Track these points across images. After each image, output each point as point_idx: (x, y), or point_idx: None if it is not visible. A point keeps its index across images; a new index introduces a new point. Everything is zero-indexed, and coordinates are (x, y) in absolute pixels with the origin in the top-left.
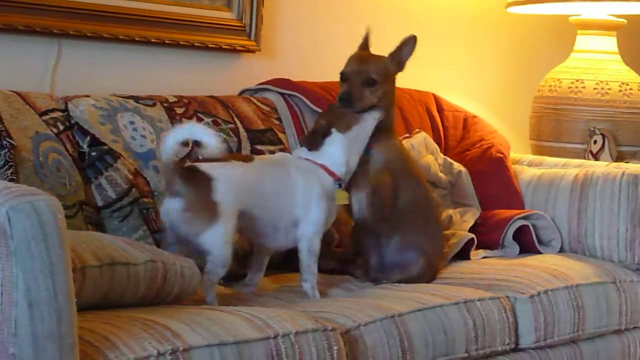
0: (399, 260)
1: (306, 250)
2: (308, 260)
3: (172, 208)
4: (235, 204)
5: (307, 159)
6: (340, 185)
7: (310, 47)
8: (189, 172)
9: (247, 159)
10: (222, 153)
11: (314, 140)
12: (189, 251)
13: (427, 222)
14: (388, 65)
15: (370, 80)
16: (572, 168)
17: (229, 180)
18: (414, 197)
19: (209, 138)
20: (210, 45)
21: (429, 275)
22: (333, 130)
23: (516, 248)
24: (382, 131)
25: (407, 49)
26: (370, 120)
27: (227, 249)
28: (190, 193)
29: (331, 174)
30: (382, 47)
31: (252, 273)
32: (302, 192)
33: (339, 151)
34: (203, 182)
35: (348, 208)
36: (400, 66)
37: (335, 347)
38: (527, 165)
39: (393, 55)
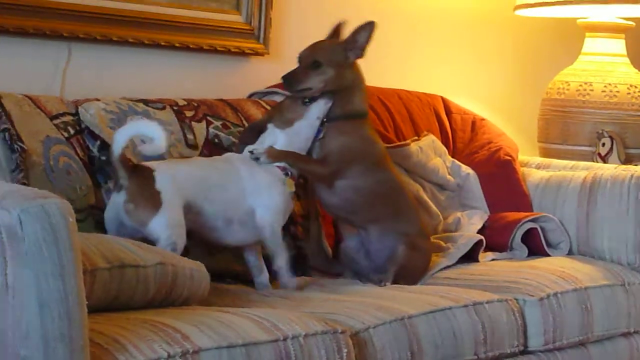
0: (383, 251)
1: (269, 234)
2: (274, 244)
3: (116, 202)
4: (178, 192)
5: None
6: (288, 174)
7: None
8: (133, 166)
9: (189, 157)
10: (167, 149)
11: (244, 134)
12: None
13: (398, 205)
14: (339, 49)
15: (315, 62)
16: (580, 170)
17: (170, 171)
18: (379, 183)
19: (157, 133)
20: (219, 49)
21: (419, 257)
22: (270, 125)
23: (525, 250)
24: (350, 118)
25: (363, 34)
26: (315, 111)
27: (175, 234)
28: (133, 185)
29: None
30: (389, 50)
31: (256, 277)
32: (248, 180)
33: (276, 146)
34: (144, 174)
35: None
36: (357, 52)
37: (345, 350)
38: (535, 168)
39: (347, 40)
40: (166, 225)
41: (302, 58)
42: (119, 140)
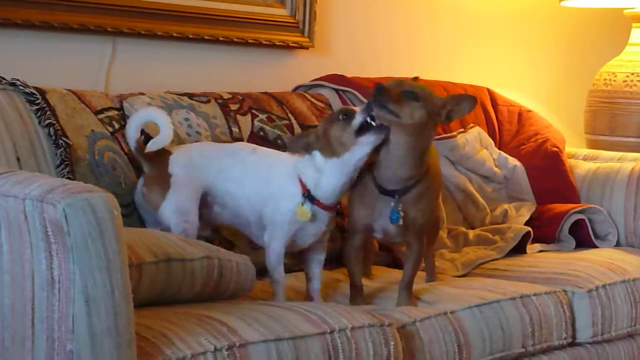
0: None
1: (266, 254)
2: (268, 267)
3: (137, 189)
4: (192, 175)
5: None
6: (307, 200)
7: (364, 42)
8: (155, 153)
9: (230, 142)
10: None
11: (293, 144)
12: None
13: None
14: (440, 102)
15: (413, 94)
16: (627, 162)
17: (188, 154)
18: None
19: (161, 119)
20: (263, 42)
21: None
22: (316, 152)
23: (572, 242)
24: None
25: (465, 105)
26: (367, 145)
27: (184, 220)
28: (150, 169)
29: (303, 186)
30: (436, 43)
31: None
32: (262, 186)
33: (323, 176)
34: (161, 157)
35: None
36: (449, 118)
37: (392, 342)
38: (583, 160)
39: (450, 101)
40: (173, 211)
41: (393, 84)
42: (130, 133)
